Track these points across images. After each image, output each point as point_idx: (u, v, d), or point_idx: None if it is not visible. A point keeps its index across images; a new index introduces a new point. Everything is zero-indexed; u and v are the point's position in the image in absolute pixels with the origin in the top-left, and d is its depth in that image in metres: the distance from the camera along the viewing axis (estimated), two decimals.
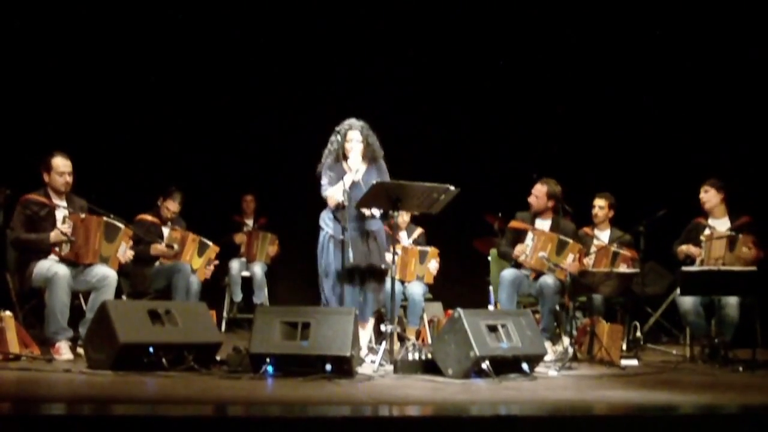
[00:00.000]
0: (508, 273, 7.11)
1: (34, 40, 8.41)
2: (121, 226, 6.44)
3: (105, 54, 8.66)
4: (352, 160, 6.19)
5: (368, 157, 6.24)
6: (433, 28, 9.31)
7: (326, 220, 6.25)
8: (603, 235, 7.70)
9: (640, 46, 9.23)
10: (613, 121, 9.32)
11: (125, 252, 6.47)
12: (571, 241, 7.10)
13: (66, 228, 6.20)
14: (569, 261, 6.96)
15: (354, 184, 6.13)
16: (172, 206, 7.48)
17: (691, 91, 9.08)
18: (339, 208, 6.13)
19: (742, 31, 8.77)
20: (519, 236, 7.24)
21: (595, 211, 7.72)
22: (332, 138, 6.27)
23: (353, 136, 6.22)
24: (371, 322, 6.34)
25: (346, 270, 6.08)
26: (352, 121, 6.28)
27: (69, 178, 6.37)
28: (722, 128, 8.90)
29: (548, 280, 6.95)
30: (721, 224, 7.15)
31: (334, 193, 6.15)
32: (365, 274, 6.16)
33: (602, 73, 9.32)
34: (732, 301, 6.73)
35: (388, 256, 6.20)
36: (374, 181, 6.04)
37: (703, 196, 7.18)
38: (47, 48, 8.45)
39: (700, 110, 9.02)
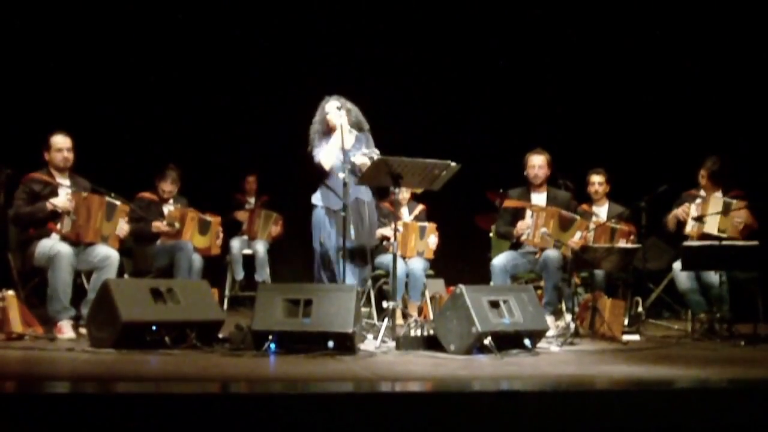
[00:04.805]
0: (498, 260, 7.07)
1: (36, 22, 8.39)
2: (118, 203, 6.44)
3: (108, 34, 8.65)
4: (342, 126, 6.32)
5: (354, 124, 6.39)
6: (433, 4, 9.26)
7: (318, 197, 6.41)
8: (601, 211, 7.69)
9: (638, 20, 9.19)
10: (613, 94, 9.30)
11: (122, 227, 6.48)
12: (578, 218, 7.07)
13: (68, 204, 6.20)
14: (576, 238, 6.94)
15: (344, 150, 6.28)
16: (166, 186, 7.46)
17: (690, 64, 9.06)
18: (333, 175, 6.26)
19: (742, 7, 8.75)
20: (517, 214, 7.20)
21: (595, 188, 7.71)
22: (314, 119, 6.49)
23: (331, 107, 6.41)
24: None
25: (341, 244, 6.18)
26: (326, 97, 6.48)
27: (68, 154, 6.39)
28: (722, 102, 8.88)
29: (552, 253, 6.94)
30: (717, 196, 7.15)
31: (327, 154, 6.32)
32: (355, 248, 6.22)
33: (601, 47, 9.29)
34: (715, 280, 6.72)
35: (388, 231, 6.24)
36: (363, 149, 6.18)
37: (700, 180, 7.17)
38: (49, 28, 8.43)
39: (700, 85, 9.00)
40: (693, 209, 6.98)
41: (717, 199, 6.93)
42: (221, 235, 7.64)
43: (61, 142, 6.37)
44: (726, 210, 6.85)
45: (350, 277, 6.19)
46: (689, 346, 6.34)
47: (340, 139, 6.27)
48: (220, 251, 7.73)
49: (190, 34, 8.94)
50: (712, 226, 6.84)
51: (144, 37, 8.77)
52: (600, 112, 9.33)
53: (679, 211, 7.07)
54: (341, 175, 6.20)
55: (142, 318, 5.46)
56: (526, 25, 9.35)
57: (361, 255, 6.32)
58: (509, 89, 9.40)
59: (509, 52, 9.47)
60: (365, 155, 6.25)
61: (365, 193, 6.39)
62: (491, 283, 7.04)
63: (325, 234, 6.29)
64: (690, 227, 6.96)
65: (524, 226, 7.02)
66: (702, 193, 7.16)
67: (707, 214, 6.87)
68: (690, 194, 7.19)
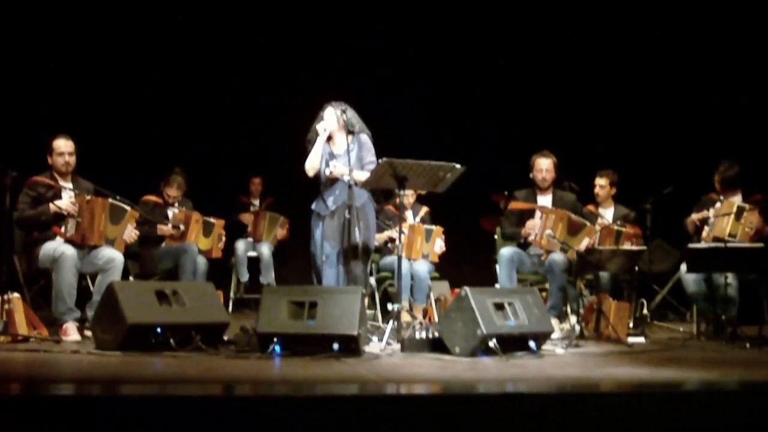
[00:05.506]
0: (506, 251, 7.07)
1: (40, 25, 8.42)
2: (127, 208, 6.46)
3: (112, 36, 8.67)
4: (335, 134, 6.41)
5: (345, 128, 6.40)
6: (438, 4, 9.27)
7: (315, 202, 6.48)
8: (607, 213, 7.68)
9: (645, 19, 9.19)
10: (619, 96, 9.30)
11: (130, 233, 6.49)
12: (587, 224, 7.06)
13: (72, 207, 6.21)
14: (583, 246, 6.93)
15: (333, 155, 6.38)
16: (171, 192, 7.51)
17: (698, 67, 9.05)
18: (328, 181, 6.38)
19: (747, 7, 8.74)
20: (522, 216, 7.19)
21: (597, 190, 7.71)
22: (312, 127, 6.51)
23: (327, 114, 6.45)
24: None
25: (324, 249, 6.29)
26: (325, 105, 6.50)
27: (69, 159, 6.39)
28: (731, 105, 8.87)
29: (557, 256, 6.93)
30: (734, 201, 7.13)
31: (309, 161, 6.40)
32: (345, 252, 6.24)
33: (608, 48, 9.29)
34: (733, 282, 6.71)
35: (394, 234, 6.22)
36: (352, 155, 6.26)
37: (716, 185, 7.15)
38: (53, 31, 8.46)
39: (709, 86, 8.99)
40: (711, 213, 6.96)
41: (732, 204, 6.91)
42: (224, 237, 7.67)
43: (62, 146, 6.38)
44: (739, 214, 6.83)
45: (343, 279, 6.21)
46: (694, 348, 6.33)
47: (322, 145, 6.38)
48: (222, 254, 7.75)
49: (195, 36, 8.96)
50: (723, 229, 6.82)
51: (148, 40, 8.79)
52: (605, 114, 9.32)
53: (696, 219, 7.04)
54: (346, 179, 6.21)
55: (147, 320, 5.46)
56: (530, 27, 9.35)
57: (355, 256, 6.31)
58: (514, 91, 9.40)
59: (513, 54, 9.47)
60: (335, 165, 6.35)
61: (358, 197, 6.37)
62: (497, 272, 7.05)
63: (318, 234, 6.38)
64: (706, 232, 6.94)
65: (533, 226, 7.02)
66: (721, 197, 7.14)
67: (716, 216, 6.85)
68: (710, 197, 7.16)
